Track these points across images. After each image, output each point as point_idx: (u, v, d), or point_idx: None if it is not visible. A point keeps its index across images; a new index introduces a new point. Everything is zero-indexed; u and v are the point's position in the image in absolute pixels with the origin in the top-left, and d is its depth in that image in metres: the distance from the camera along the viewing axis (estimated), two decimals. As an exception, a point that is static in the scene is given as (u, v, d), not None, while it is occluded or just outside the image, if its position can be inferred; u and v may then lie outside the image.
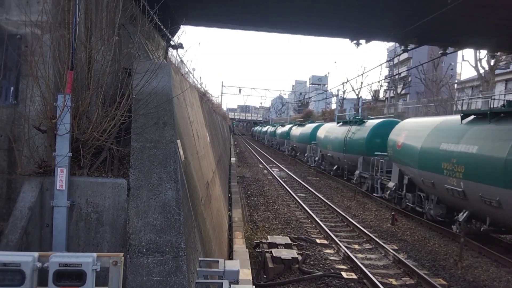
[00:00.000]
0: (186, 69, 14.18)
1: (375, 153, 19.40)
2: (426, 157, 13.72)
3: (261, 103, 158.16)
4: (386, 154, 18.26)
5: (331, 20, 11.11)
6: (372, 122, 22.32)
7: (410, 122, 17.52)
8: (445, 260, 10.79)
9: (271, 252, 9.74)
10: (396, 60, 52.69)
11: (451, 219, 13.13)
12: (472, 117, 12.71)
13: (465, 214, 12.09)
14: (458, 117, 13.19)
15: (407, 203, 15.68)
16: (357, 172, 21.95)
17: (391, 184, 17.07)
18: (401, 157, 15.95)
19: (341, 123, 26.91)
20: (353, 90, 56.03)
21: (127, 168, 4.65)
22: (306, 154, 35.98)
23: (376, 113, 40.81)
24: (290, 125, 45.51)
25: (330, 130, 27.94)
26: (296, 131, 41.49)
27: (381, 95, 62.14)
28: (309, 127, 36.74)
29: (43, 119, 4.34)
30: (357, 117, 25.45)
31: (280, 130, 53.46)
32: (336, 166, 27.04)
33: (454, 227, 12.52)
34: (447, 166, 12.33)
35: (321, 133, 29.79)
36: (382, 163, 19.02)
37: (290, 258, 9.43)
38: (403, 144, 15.74)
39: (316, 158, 31.57)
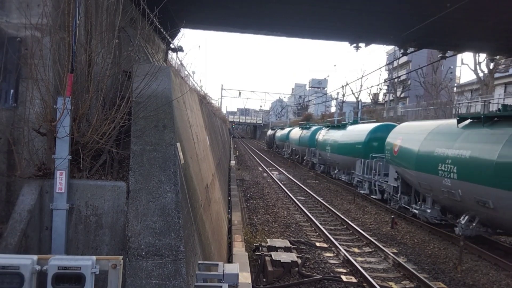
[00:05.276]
0: (186, 72, 14.23)
1: None
2: None
3: (260, 106, 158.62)
4: None
5: (331, 24, 11.15)
6: None
7: None
8: (445, 264, 10.77)
9: (270, 256, 9.72)
10: (395, 64, 52.83)
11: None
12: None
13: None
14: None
15: None
16: None
17: None
18: None
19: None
20: (353, 93, 56.14)
21: (126, 171, 4.65)
22: (356, 177, 21.66)
23: (376, 116, 40.87)
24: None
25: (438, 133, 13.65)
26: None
27: (380, 98, 62.23)
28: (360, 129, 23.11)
29: (43, 121, 4.33)
30: None
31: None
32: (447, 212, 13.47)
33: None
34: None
35: (396, 139, 16.26)
36: None
37: (290, 261, 9.41)
38: None
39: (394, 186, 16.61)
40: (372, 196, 19.39)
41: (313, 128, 35.50)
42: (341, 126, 27.38)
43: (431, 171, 12.88)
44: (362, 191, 20.48)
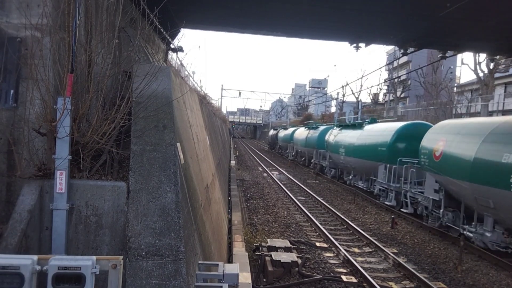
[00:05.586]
0: (186, 72, 14.23)
1: None
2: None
3: (261, 106, 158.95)
4: None
5: (331, 24, 11.13)
6: None
7: None
8: (445, 264, 10.77)
9: (270, 256, 9.72)
10: (395, 64, 52.84)
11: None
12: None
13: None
14: None
15: None
16: None
17: None
18: None
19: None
20: (353, 93, 56.20)
21: (126, 171, 4.65)
22: (378, 186, 19.06)
23: (377, 116, 40.83)
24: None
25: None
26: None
27: (380, 98, 62.27)
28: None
29: (43, 122, 4.33)
30: None
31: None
32: None
33: None
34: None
35: (437, 141, 13.94)
36: None
37: (290, 261, 9.41)
38: None
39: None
40: (401, 209, 16.17)
41: (322, 127, 32.20)
42: (356, 125, 24.22)
43: (497, 184, 10.03)
44: (387, 203, 17.48)
